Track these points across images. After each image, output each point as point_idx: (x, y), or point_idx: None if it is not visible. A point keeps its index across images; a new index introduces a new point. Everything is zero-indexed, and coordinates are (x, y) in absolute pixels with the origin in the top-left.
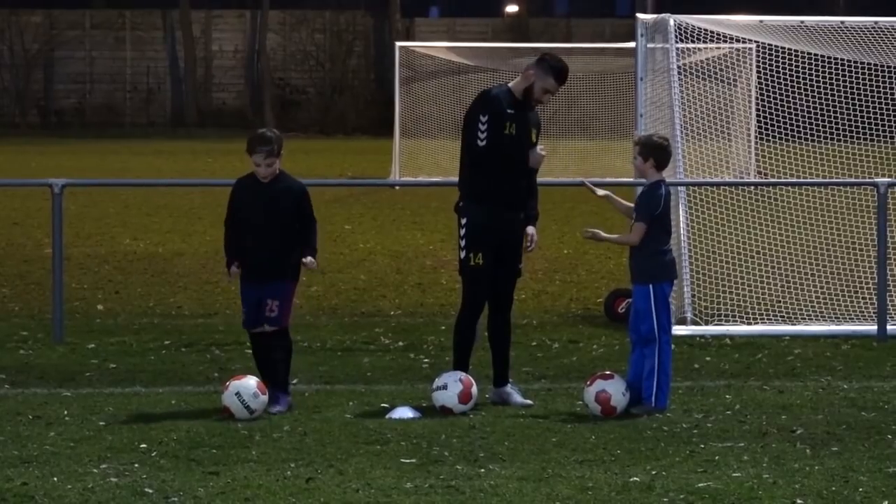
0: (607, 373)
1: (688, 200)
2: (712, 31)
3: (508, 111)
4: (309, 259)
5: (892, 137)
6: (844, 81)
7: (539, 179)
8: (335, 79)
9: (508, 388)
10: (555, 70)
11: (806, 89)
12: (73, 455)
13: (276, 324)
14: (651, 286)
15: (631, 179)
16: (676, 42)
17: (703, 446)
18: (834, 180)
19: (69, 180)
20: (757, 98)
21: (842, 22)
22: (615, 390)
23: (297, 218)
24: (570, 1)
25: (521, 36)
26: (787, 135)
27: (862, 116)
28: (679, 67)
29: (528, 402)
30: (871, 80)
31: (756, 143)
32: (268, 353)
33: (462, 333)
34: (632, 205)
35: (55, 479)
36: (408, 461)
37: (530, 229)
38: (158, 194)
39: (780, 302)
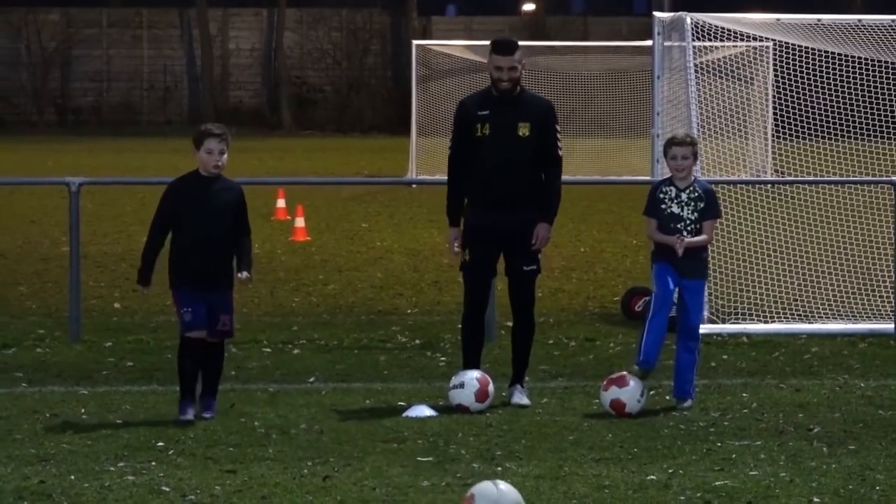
0: (623, 377)
1: None
2: (729, 30)
3: (479, 113)
4: (245, 275)
5: None
6: (862, 79)
7: None
8: (352, 77)
9: (517, 387)
10: (491, 45)
11: (823, 87)
12: (90, 453)
13: (229, 336)
14: (704, 281)
15: (648, 178)
16: (693, 40)
17: (719, 444)
18: (851, 179)
19: (86, 179)
20: (774, 96)
21: (859, 20)
22: (630, 398)
23: (237, 220)
24: None
25: (538, 34)
26: (804, 133)
27: (879, 114)
28: (696, 65)
29: (524, 402)
30: (888, 78)
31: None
32: (206, 359)
33: (462, 331)
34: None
35: (72, 477)
36: (424, 459)
37: (540, 226)
38: None
39: (797, 300)
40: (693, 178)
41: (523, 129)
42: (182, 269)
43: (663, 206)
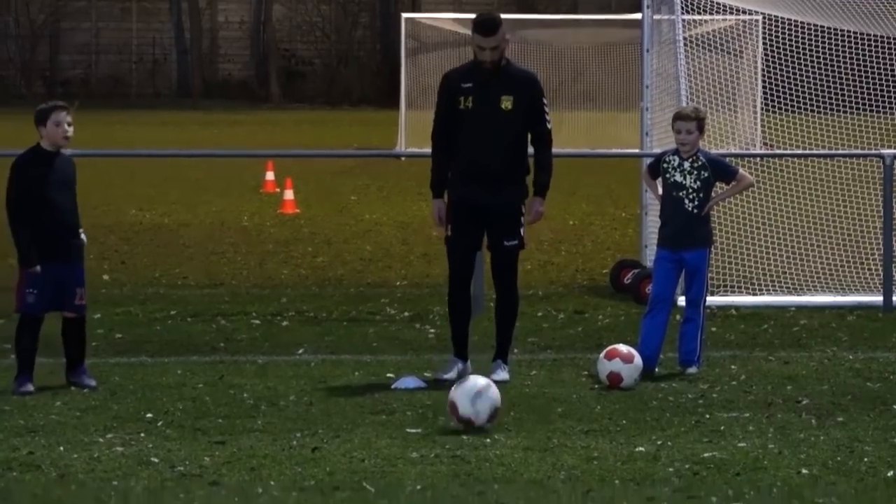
0: (631, 354)
1: None
2: (718, 3)
3: (463, 86)
4: (83, 235)
5: None
6: (851, 53)
7: None
8: (341, 50)
9: (498, 363)
10: (473, 24)
11: (812, 61)
12: (79, 425)
13: (83, 311)
14: (707, 249)
15: (637, 151)
16: (682, 13)
17: (708, 417)
18: (840, 152)
19: (75, 151)
20: (763, 70)
21: None
22: (629, 375)
23: (74, 191)
24: None
25: (528, 7)
26: (792, 106)
27: (868, 88)
28: (685, 39)
29: (503, 378)
30: (877, 51)
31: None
32: (71, 332)
33: (449, 305)
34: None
35: (61, 448)
36: (413, 431)
37: (534, 201)
38: (164, 165)
39: (785, 273)
40: (697, 149)
41: (506, 103)
42: (34, 248)
43: (667, 176)
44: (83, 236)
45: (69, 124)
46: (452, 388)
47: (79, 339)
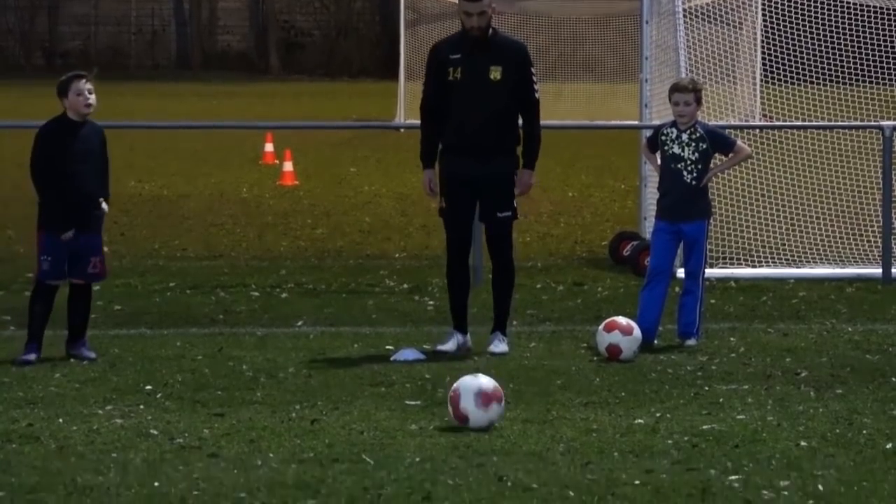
0: (630, 326)
1: None
2: None
3: (452, 56)
4: (105, 205)
5: None
6: (850, 24)
7: (543, 122)
8: (340, 21)
9: (496, 335)
10: None
11: (811, 32)
12: (78, 396)
13: (100, 279)
14: (706, 221)
15: (636, 122)
16: None
17: (707, 389)
18: (839, 123)
19: None
20: (762, 41)
21: None
22: (628, 347)
23: (104, 160)
24: None
25: None
26: (792, 78)
27: (868, 59)
28: (684, 10)
29: (501, 350)
30: (877, 23)
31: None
32: (76, 299)
33: (447, 277)
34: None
35: (60, 420)
36: (412, 403)
37: (523, 173)
38: (163, 137)
39: (784, 245)
40: (695, 121)
41: (495, 73)
42: (53, 215)
43: (665, 148)
44: (105, 206)
45: (90, 92)
46: (470, 390)
47: (83, 307)
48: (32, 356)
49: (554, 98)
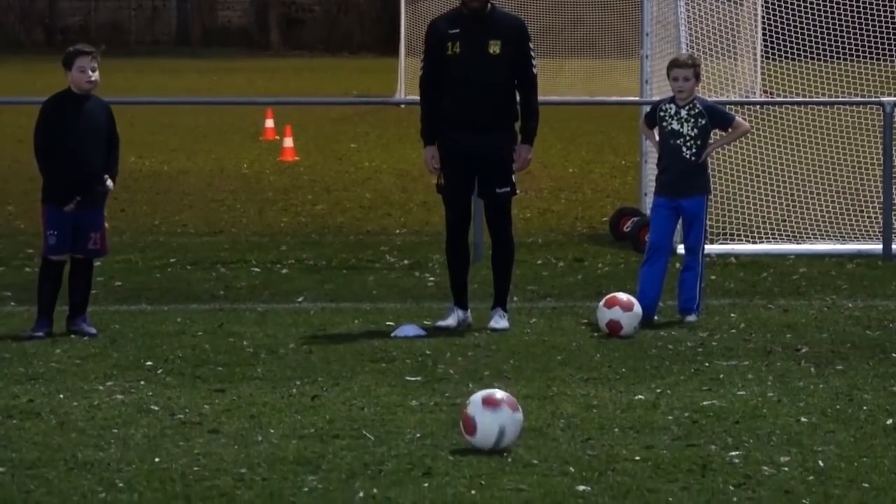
0: (630, 302)
1: None
2: None
3: (450, 31)
4: (110, 182)
5: None
6: (851, 0)
7: (544, 98)
8: None
9: (497, 311)
10: None
11: (812, 8)
12: (78, 372)
13: (101, 255)
14: (705, 197)
15: (636, 98)
16: None
17: (707, 365)
18: (840, 99)
19: None
20: (763, 16)
21: None
22: (629, 323)
23: (109, 136)
24: None
25: None
26: (792, 54)
27: (868, 35)
28: None
29: (501, 326)
30: None
31: (762, 62)
32: (77, 274)
33: (446, 253)
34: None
35: (61, 395)
36: (413, 379)
37: (521, 148)
38: (163, 112)
39: (785, 221)
40: (693, 96)
41: (494, 47)
42: (56, 188)
43: (664, 124)
44: (109, 183)
45: (93, 70)
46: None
47: (84, 283)
48: (41, 332)
49: (555, 74)
